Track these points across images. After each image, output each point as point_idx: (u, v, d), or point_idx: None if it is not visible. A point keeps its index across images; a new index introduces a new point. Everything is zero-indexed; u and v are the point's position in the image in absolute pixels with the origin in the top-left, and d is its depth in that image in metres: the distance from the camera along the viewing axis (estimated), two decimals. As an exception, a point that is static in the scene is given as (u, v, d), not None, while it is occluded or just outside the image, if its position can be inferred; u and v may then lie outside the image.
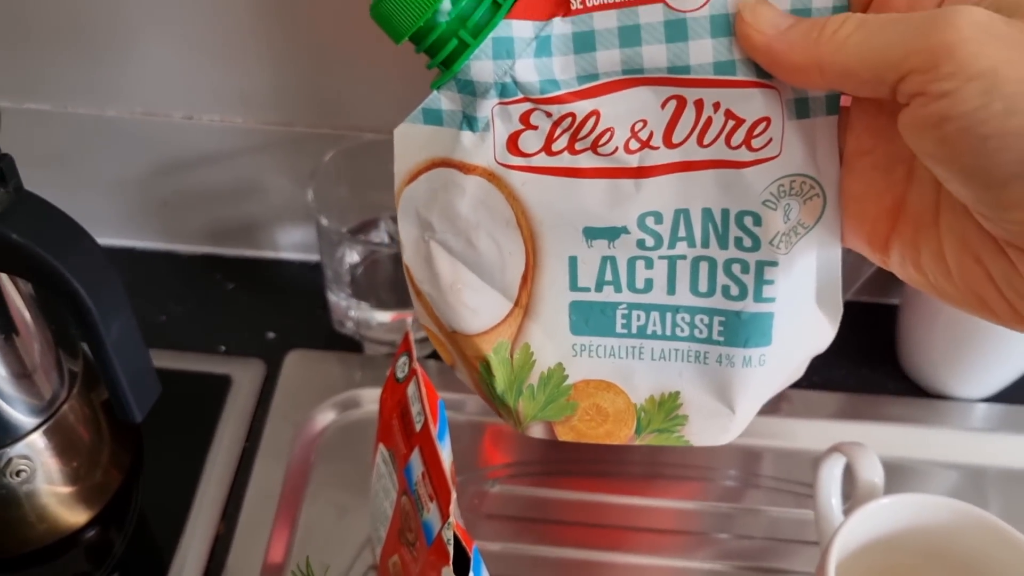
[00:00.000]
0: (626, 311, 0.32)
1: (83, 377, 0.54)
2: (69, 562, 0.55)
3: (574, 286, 0.32)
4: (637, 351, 0.32)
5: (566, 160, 0.30)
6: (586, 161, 0.30)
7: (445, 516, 0.42)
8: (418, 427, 0.45)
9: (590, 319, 0.32)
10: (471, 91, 0.29)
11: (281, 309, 0.67)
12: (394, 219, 0.64)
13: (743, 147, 0.29)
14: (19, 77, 0.61)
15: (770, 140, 0.29)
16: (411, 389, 0.46)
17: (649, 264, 0.31)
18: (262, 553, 0.54)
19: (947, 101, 0.24)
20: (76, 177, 0.65)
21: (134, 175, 0.66)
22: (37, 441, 0.51)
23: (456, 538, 0.41)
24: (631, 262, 0.31)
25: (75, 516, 0.55)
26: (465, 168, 0.30)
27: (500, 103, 0.29)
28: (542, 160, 0.30)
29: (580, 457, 0.61)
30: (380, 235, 0.64)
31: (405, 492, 0.47)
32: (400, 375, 0.48)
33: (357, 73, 0.60)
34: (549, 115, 0.29)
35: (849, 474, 0.49)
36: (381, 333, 0.63)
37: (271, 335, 0.65)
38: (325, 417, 0.61)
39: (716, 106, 0.29)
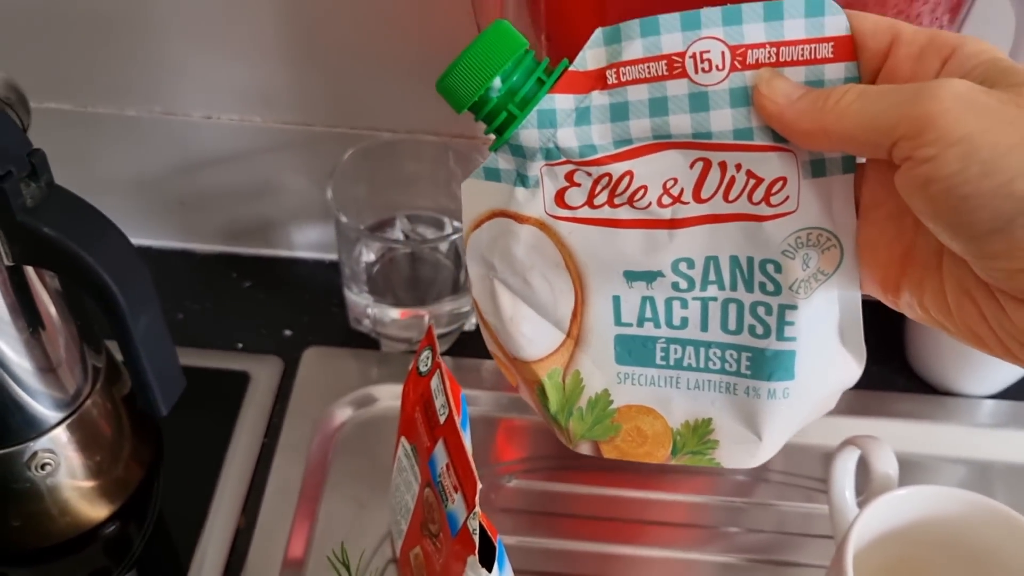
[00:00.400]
0: (664, 345, 0.35)
1: (106, 372, 0.55)
2: (90, 556, 0.56)
3: (618, 321, 0.35)
4: (674, 381, 0.36)
5: (607, 212, 0.33)
6: (624, 213, 0.33)
7: (471, 506, 0.43)
8: (442, 419, 0.46)
9: (633, 351, 0.36)
10: (522, 154, 0.33)
11: (297, 307, 0.67)
12: (408, 218, 0.65)
13: (763, 203, 0.32)
14: (41, 76, 0.62)
15: (787, 197, 0.32)
16: (434, 382, 0.47)
17: (684, 304, 0.35)
18: (283, 547, 0.55)
19: (931, 165, 0.27)
20: (95, 176, 0.66)
21: (152, 174, 0.67)
22: (61, 435, 0.52)
23: (482, 528, 0.42)
24: (668, 302, 0.35)
25: (96, 510, 0.55)
26: (519, 218, 0.34)
27: (547, 164, 0.33)
28: (586, 212, 0.34)
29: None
30: (396, 234, 0.65)
31: (429, 484, 0.47)
32: (423, 369, 0.49)
33: (375, 74, 0.60)
34: (589, 174, 0.33)
35: (863, 467, 0.50)
36: (397, 330, 0.63)
37: (288, 333, 0.66)
38: (343, 413, 0.61)
39: (738, 167, 0.32)
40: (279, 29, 0.59)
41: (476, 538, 0.42)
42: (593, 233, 0.34)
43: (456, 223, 0.64)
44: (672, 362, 0.36)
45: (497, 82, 0.32)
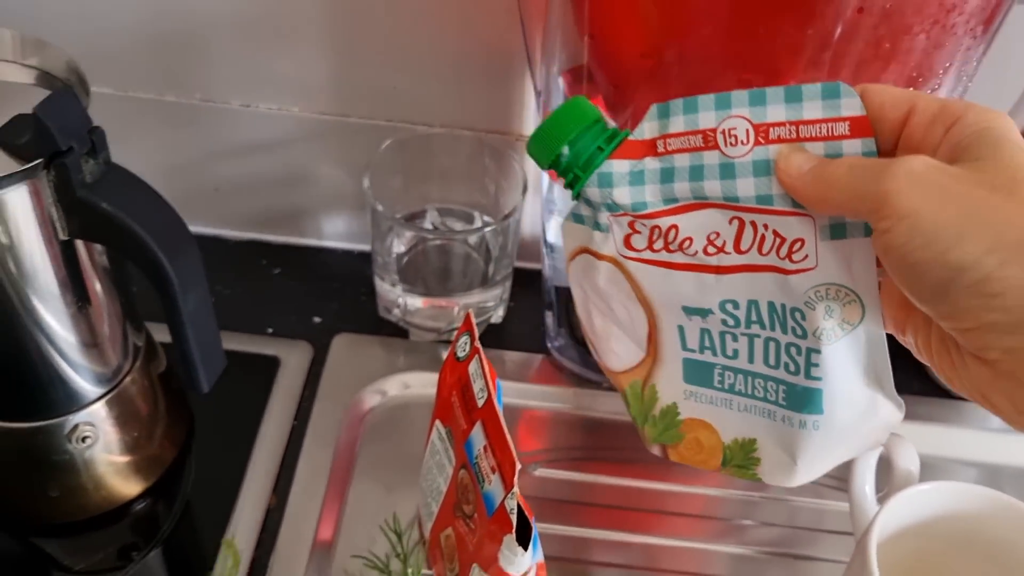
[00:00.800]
0: (720, 371, 0.40)
1: (145, 351, 0.56)
2: (123, 531, 0.57)
3: (684, 347, 0.40)
4: (728, 402, 0.40)
5: (664, 256, 0.39)
6: (678, 258, 0.39)
7: (509, 486, 0.44)
8: (481, 402, 0.47)
9: (696, 373, 0.41)
10: (592, 206, 0.39)
11: (327, 295, 0.69)
12: (439, 211, 0.66)
13: (787, 259, 0.36)
14: (83, 60, 0.63)
15: (807, 255, 0.36)
16: (473, 367, 0.48)
17: (735, 338, 0.39)
18: (313, 527, 0.56)
19: (888, 236, 0.31)
20: (131, 160, 0.66)
21: (188, 160, 0.68)
22: (100, 410, 0.53)
23: (519, 508, 0.43)
24: (721, 335, 0.39)
25: (130, 486, 0.56)
26: (599, 256, 0.40)
27: (611, 215, 0.39)
28: (648, 255, 0.39)
29: (611, 444, 0.63)
30: (427, 226, 0.66)
31: (464, 466, 0.49)
32: (461, 354, 0.50)
33: (413, 68, 0.62)
34: (645, 225, 0.38)
35: (882, 465, 0.51)
36: (426, 320, 0.65)
37: (317, 320, 0.67)
38: (372, 399, 0.63)
39: (765, 227, 0.36)
40: (322, 20, 0.60)
41: (514, 517, 0.43)
42: (655, 272, 0.39)
43: (486, 217, 0.66)
44: (726, 386, 0.40)
45: (565, 149, 0.38)
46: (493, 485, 0.46)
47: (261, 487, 0.58)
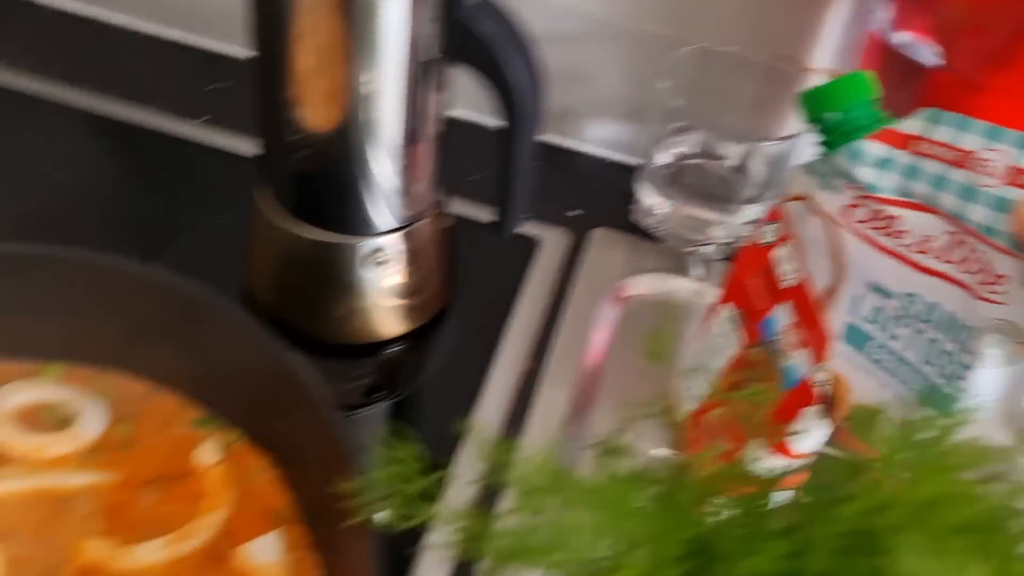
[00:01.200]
0: (876, 346, 0.44)
1: (441, 206, 0.58)
2: (375, 368, 0.59)
3: (853, 312, 0.44)
4: (869, 372, 0.44)
5: (875, 235, 0.43)
6: (887, 242, 0.42)
7: (819, 360, 0.45)
8: (791, 283, 0.48)
9: (854, 337, 0.45)
10: (833, 168, 0.44)
11: (583, 194, 0.70)
12: (711, 130, 0.67)
13: (984, 286, 0.39)
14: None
15: (1004, 291, 0.39)
16: (781, 251, 0.50)
17: (904, 325, 0.43)
18: (566, 394, 0.57)
19: None
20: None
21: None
22: (398, 242, 0.56)
23: (826, 382, 0.45)
24: (894, 319, 0.43)
25: (398, 324, 0.59)
26: (814, 211, 0.44)
27: (847, 184, 0.43)
28: (861, 228, 0.43)
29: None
30: (697, 142, 0.67)
31: (757, 344, 0.50)
32: (767, 239, 0.51)
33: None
34: (869, 203, 0.43)
35: None
36: (683, 229, 0.66)
37: (574, 213, 0.69)
38: (627, 290, 0.64)
39: (980, 253, 0.39)
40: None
41: (821, 390, 0.45)
42: (859, 245, 0.43)
43: (755, 142, 0.67)
44: (874, 359, 0.44)
45: (831, 115, 0.43)
46: (796, 360, 0.47)
47: (518, 350, 0.60)
